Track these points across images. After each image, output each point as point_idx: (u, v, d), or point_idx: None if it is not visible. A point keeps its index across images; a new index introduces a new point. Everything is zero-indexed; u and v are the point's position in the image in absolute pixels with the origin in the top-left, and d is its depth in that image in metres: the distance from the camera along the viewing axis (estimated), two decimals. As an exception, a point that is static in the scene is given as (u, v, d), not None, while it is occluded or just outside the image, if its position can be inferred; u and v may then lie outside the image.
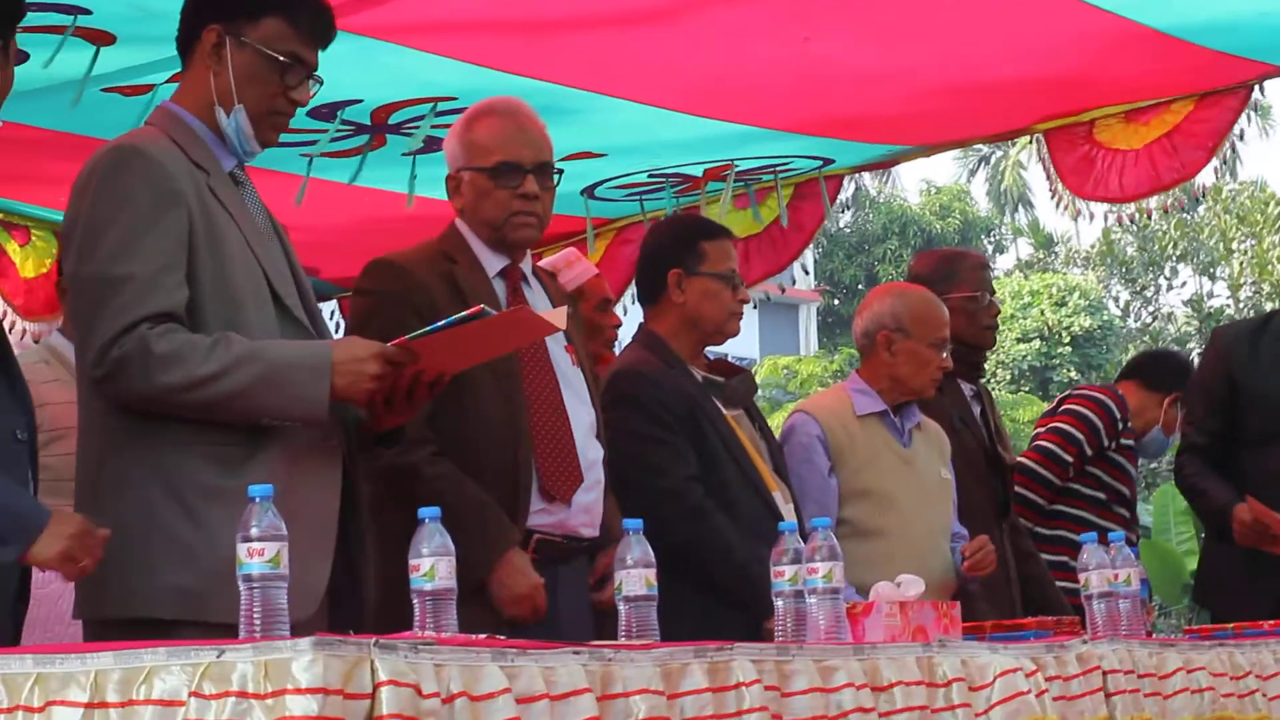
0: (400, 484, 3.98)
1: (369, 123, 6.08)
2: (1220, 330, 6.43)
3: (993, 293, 6.13)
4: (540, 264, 5.19)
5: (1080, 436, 6.23)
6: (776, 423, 5.60)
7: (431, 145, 6.04)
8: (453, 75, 5.66)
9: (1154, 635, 4.51)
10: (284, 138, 5.41)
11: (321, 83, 3.75)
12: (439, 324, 3.47)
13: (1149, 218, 6.87)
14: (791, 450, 5.25)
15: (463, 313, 3.48)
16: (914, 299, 5.47)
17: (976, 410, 5.95)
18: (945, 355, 5.41)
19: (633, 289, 7.10)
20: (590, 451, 4.32)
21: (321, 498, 3.53)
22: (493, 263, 4.35)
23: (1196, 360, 6.75)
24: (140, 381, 3.36)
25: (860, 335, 5.50)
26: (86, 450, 3.53)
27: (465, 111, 4.49)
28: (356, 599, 3.62)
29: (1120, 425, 6.29)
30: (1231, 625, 4.81)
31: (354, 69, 5.41)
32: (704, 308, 4.92)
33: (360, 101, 5.87)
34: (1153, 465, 21.25)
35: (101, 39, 5.10)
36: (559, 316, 3.76)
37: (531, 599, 4.04)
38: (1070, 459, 6.25)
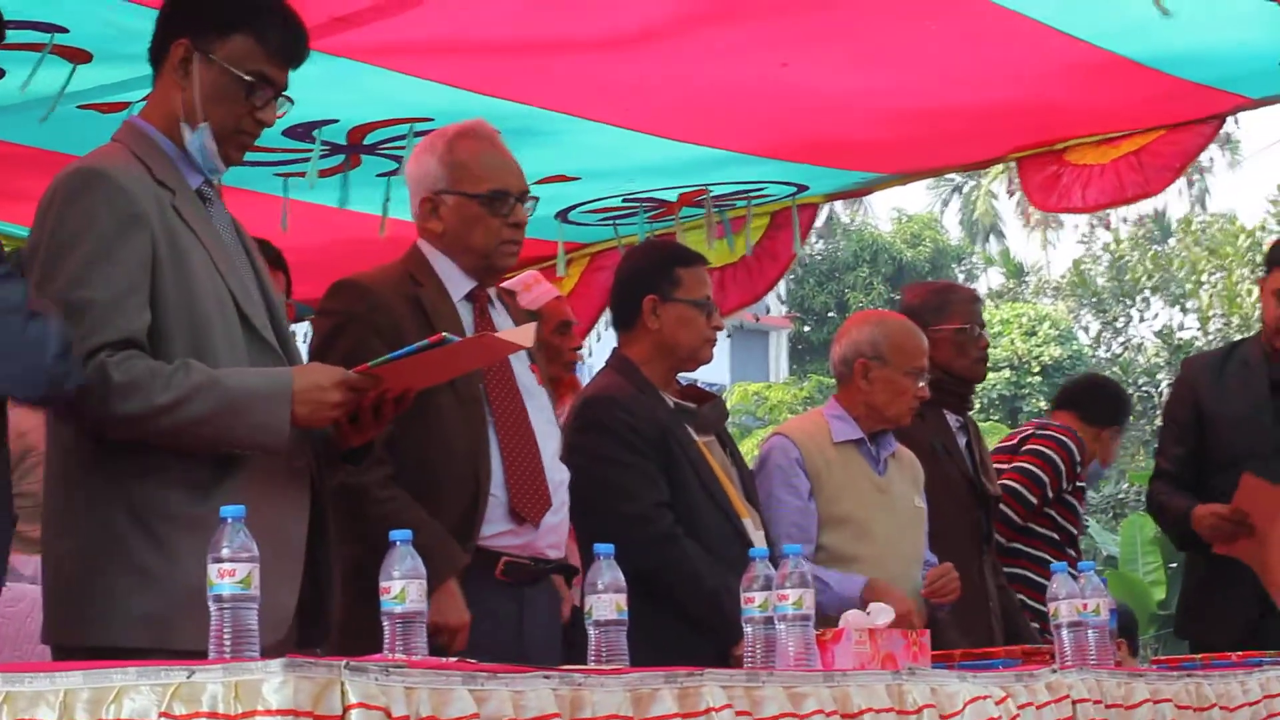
0: (350, 504, 3.94)
1: (345, 143, 6.08)
2: (1187, 361, 6.51)
3: (983, 326, 6.16)
4: (501, 285, 5.20)
5: (1045, 478, 6.24)
6: (746, 449, 5.59)
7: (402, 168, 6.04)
8: (429, 97, 5.66)
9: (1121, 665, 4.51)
10: (259, 157, 5.42)
11: (292, 103, 3.69)
12: (401, 351, 3.45)
13: (1106, 227, 6.93)
14: (769, 473, 5.26)
15: (424, 340, 3.46)
16: (892, 327, 5.48)
17: (962, 441, 5.95)
18: (922, 385, 5.40)
19: (607, 315, 7.15)
20: (557, 473, 4.31)
21: (289, 521, 3.50)
22: (459, 286, 4.31)
23: (1148, 390, 6.86)
24: (98, 410, 3.32)
25: (838, 362, 5.50)
26: (52, 476, 3.50)
27: (436, 130, 4.44)
28: (322, 620, 3.60)
29: (1078, 468, 6.31)
30: (1200, 656, 4.82)
31: (330, 89, 5.40)
32: (679, 334, 4.91)
33: (336, 121, 5.87)
34: (1119, 495, 21.27)
35: (78, 57, 5.10)
36: (527, 334, 3.74)
37: (461, 632, 4.01)
38: (1035, 500, 6.26)
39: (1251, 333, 6.23)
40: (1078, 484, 6.35)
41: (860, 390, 5.40)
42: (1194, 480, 6.06)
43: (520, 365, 4.33)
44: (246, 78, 3.57)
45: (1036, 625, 5.85)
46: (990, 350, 6.34)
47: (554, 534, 4.28)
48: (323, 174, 6.22)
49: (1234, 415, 5.90)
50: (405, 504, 3.99)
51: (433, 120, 5.83)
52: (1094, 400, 6.74)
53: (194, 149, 3.58)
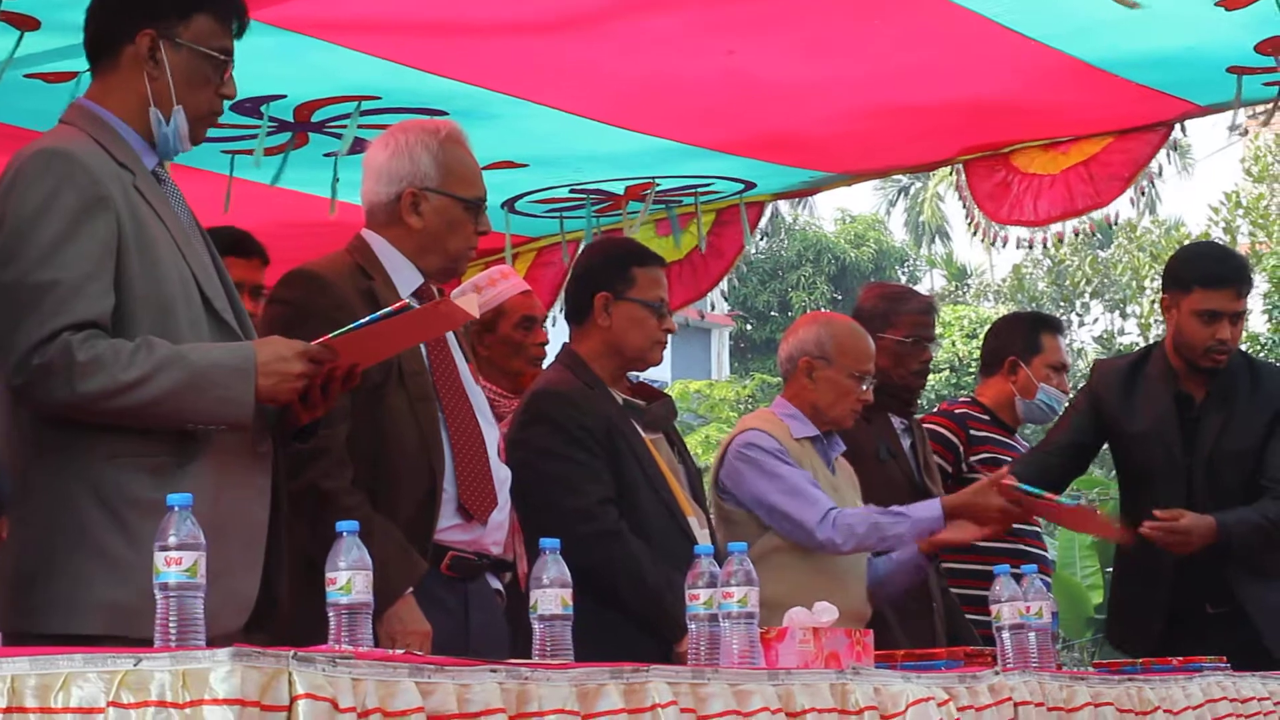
0: (316, 507, 3.89)
1: (291, 119, 6.02)
2: (1098, 365, 6.32)
3: (931, 338, 6.11)
4: (473, 280, 5.19)
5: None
6: (687, 446, 5.57)
7: (357, 147, 5.99)
8: (377, 74, 5.60)
9: (1063, 668, 4.51)
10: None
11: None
12: (364, 320, 3.45)
13: (1060, 241, 6.89)
14: (758, 459, 5.25)
15: (387, 309, 3.46)
16: (839, 329, 5.48)
17: (906, 444, 5.94)
18: (866, 388, 5.40)
19: (554, 310, 7.13)
20: (500, 471, 4.29)
21: (251, 507, 3.50)
22: (407, 281, 4.23)
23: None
24: (63, 390, 3.29)
25: (784, 360, 5.51)
26: (13, 461, 3.44)
27: (418, 124, 4.36)
28: (272, 606, 3.56)
29: (965, 444, 6.24)
30: (1140, 660, 4.83)
31: (278, 63, 5.35)
32: (628, 334, 4.89)
33: (284, 97, 5.80)
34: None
35: (25, 24, 5.00)
36: (471, 304, 3.72)
37: (426, 641, 3.97)
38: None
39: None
40: (974, 459, 6.25)
41: (805, 388, 5.40)
42: (1070, 469, 6.11)
43: (463, 364, 4.31)
44: (219, 56, 3.59)
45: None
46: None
47: (498, 531, 4.26)
48: (269, 152, 6.16)
49: (1139, 431, 5.88)
50: (370, 511, 3.93)
51: (380, 98, 5.79)
52: (985, 352, 6.62)
53: (169, 133, 3.58)
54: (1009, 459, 6.23)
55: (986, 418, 6.34)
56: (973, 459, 6.24)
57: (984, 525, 5.23)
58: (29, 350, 3.29)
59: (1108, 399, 5.97)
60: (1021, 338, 6.48)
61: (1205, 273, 5.85)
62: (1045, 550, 6.52)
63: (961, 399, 6.50)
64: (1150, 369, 5.94)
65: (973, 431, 6.29)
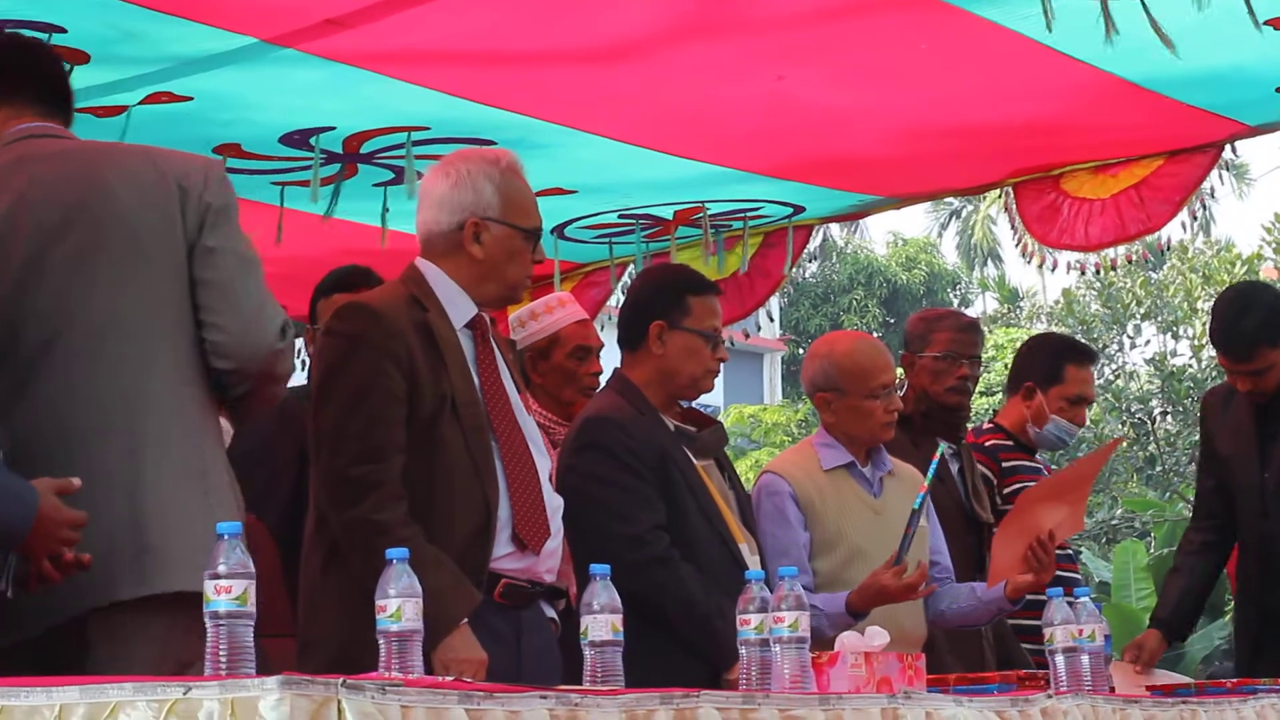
0: (369, 538, 3.90)
1: (340, 151, 6.05)
2: (1206, 394, 6.38)
3: (970, 357, 6.03)
4: (529, 306, 5.21)
5: None
6: (741, 471, 5.56)
7: (400, 177, 6.02)
8: (426, 105, 5.63)
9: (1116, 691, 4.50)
10: (256, 165, 5.37)
11: None
12: None
13: (1113, 268, 6.87)
14: (764, 510, 5.20)
15: None
16: (839, 355, 5.33)
17: (954, 468, 5.91)
18: (890, 397, 5.28)
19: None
20: (553, 500, 4.29)
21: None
22: (461, 312, 4.25)
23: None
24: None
25: (807, 394, 5.47)
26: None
27: (478, 154, 4.36)
28: None
29: (999, 477, 6.19)
30: (1194, 683, 4.81)
31: (327, 95, 5.37)
32: (682, 363, 4.87)
33: (333, 129, 5.84)
34: (1112, 521, 21.21)
35: (76, 58, 5.03)
36: None
37: (481, 670, 3.97)
38: None
39: None
40: (1008, 490, 6.21)
41: (831, 422, 5.34)
42: (1222, 510, 6.08)
43: (514, 392, 4.31)
44: None
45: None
46: (985, 375, 6.27)
47: (551, 559, 4.26)
48: (320, 183, 6.17)
49: (1229, 452, 5.90)
50: (424, 543, 3.94)
51: (429, 129, 5.82)
52: (1010, 375, 6.56)
53: None
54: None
55: (1011, 444, 6.30)
56: (1005, 491, 6.20)
57: (895, 600, 5.04)
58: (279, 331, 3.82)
59: (1209, 423, 6.10)
60: (1044, 364, 6.38)
61: (1211, 331, 5.98)
62: (1076, 572, 6.50)
63: (987, 426, 6.43)
64: (1239, 391, 5.96)
65: (1004, 464, 6.25)
